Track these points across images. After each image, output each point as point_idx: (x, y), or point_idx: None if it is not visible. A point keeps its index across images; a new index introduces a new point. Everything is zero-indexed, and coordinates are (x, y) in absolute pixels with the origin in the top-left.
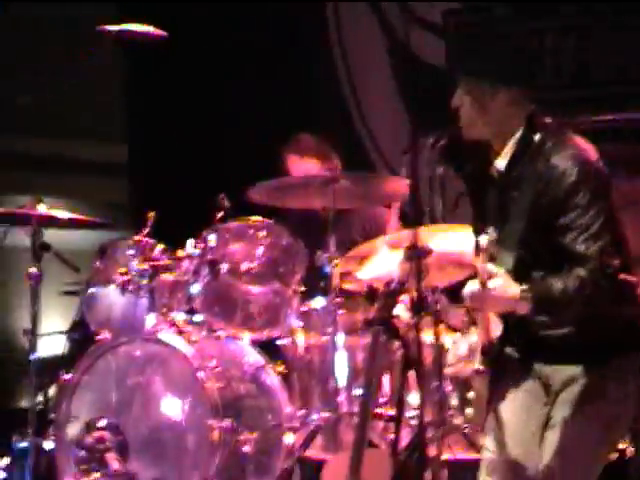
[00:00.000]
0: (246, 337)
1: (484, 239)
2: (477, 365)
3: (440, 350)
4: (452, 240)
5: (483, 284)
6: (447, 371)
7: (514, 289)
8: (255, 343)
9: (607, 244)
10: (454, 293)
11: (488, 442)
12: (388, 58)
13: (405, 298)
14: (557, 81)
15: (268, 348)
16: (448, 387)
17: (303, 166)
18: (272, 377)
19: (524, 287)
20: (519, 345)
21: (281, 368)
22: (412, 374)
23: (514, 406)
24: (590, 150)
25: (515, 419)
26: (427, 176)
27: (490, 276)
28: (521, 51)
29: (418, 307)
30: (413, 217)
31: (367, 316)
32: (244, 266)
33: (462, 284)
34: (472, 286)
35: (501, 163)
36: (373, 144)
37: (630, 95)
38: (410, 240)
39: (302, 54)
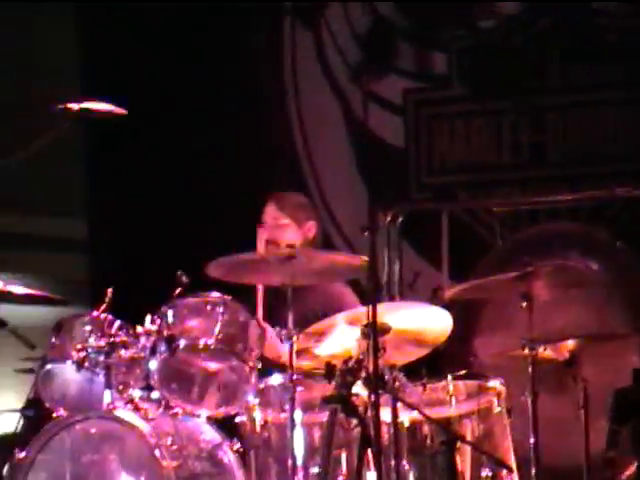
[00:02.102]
0: (203, 414)
1: None
2: None
3: (398, 428)
4: (411, 317)
5: None
6: None
7: None
8: (212, 420)
9: None
10: (412, 371)
11: None
12: (347, 135)
13: (363, 375)
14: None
15: (225, 425)
16: (405, 466)
17: (278, 221)
18: (229, 455)
19: None
20: None
21: (238, 446)
22: (369, 453)
23: None
24: None
25: None
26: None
27: None
28: None
29: (376, 385)
30: (371, 294)
31: (325, 393)
32: (201, 342)
33: (421, 362)
34: None
35: None
36: (331, 219)
37: (586, 175)
38: (368, 317)
39: (260, 130)
